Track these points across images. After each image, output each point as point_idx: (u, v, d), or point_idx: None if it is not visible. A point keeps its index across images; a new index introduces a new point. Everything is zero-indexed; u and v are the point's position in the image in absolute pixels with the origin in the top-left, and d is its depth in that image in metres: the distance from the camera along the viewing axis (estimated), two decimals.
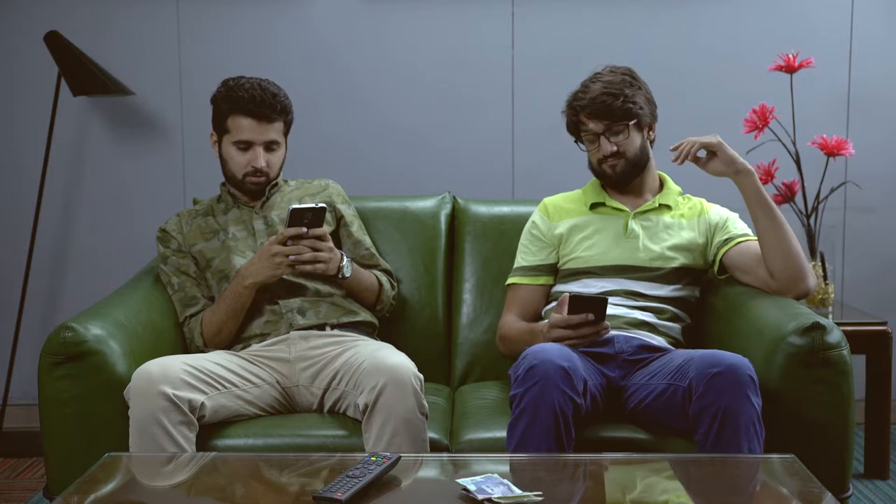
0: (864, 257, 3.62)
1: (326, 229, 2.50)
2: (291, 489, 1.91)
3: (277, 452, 2.21)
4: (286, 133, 2.66)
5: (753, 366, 2.15)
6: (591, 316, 2.28)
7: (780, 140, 3.16)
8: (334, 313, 2.55)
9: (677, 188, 2.67)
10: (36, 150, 3.47)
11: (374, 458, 1.84)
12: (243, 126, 2.57)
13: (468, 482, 1.76)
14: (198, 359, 2.35)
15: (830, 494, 1.81)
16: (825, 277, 3.13)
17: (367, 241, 2.75)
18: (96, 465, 1.94)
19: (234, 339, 2.54)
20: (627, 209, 2.60)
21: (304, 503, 1.78)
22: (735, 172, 2.48)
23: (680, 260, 2.56)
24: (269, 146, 2.61)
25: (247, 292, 2.48)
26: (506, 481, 1.77)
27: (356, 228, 2.74)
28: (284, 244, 2.44)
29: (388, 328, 2.73)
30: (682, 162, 2.50)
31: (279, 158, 2.65)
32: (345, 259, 2.55)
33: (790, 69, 3.15)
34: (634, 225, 2.58)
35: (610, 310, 2.45)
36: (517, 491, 1.74)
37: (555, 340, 2.28)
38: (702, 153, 2.52)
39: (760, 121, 3.11)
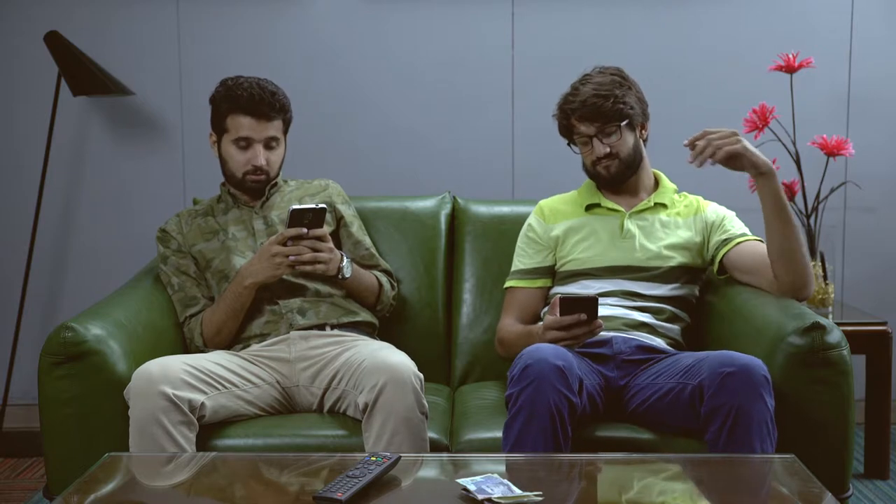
0: (864, 257, 3.62)
1: (326, 230, 2.50)
2: (291, 489, 1.91)
3: (277, 452, 2.21)
4: (285, 131, 2.66)
5: None
6: (582, 316, 2.28)
7: (780, 140, 3.16)
8: (334, 313, 2.55)
9: (672, 186, 2.67)
10: (36, 150, 3.47)
11: (374, 458, 1.84)
12: (242, 124, 2.57)
13: (468, 482, 1.76)
14: (198, 359, 2.35)
15: (830, 494, 1.81)
16: (825, 277, 3.12)
17: (367, 241, 2.75)
18: (96, 465, 1.94)
19: (234, 339, 2.54)
20: (623, 209, 2.60)
21: (304, 503, 1.78)
22: (757, 174, 2.42)
23: (677, 259, 2.56)
24: (269, 144, 2.61)
25: (246, 292, 2.48)
26: (506, 481, 1.77)
27: (356, 229, 2.73)
28: (284, 244, 2.44)
29: (388, 328, 2.73)
30: (701, 165, 2.40)
31: (279, 157, 2.65)
32: (345, 259, 2.55)
33: (790, 69, 3.15)
34: (630, 225, 2.58)
35: (608, 311, 2.45)
36: (517, 491, 1.74)
37: (550, 342, 2.28)
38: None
39: (760, 121, 3.11)
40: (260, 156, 2.59)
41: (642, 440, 2.28)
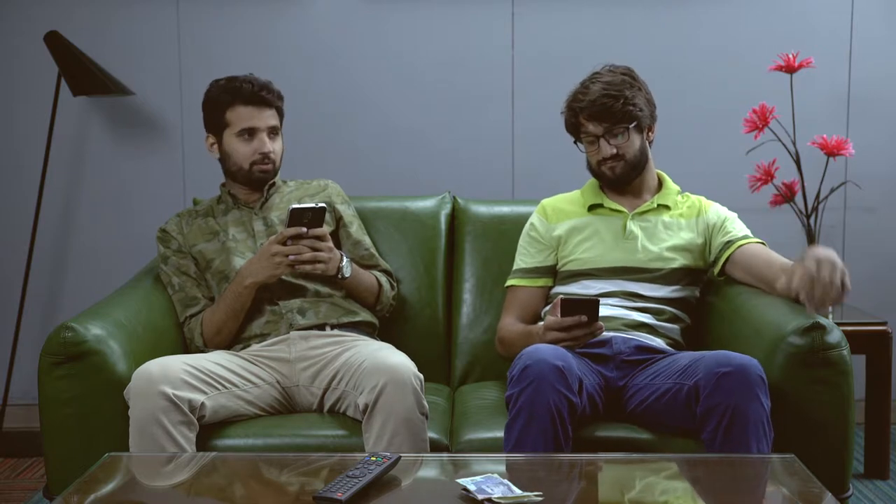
0: (864, 257, 3.62)
1: (326, 230, 2.50)
2: (291, 489, 1.91)
3: (277, 452, 2.21)
4: (281, 123, 2.67)
5: None
6: (583, 317, 2.28)
7: (780, 140, 3.16)
8: (334, 313, 2.55)
9: (676, 187, 2.67)
10: (36, 150, 3.47)
11: (374, 458, 1.84)
12: (244, 115, 2.59)
13: (468, 482, 1.76)
14: (198, 359, 2.35)
15: (830, 494, 1.81)
16: None
17: (367, 241, 2.75)
18: (96, 465, 1.94)
19: (234, 339, 2.54)
20: (626, 210, 2.60)
21: (304, 503, 1.78)
22: None
23: (679, 260, 2.55)
24: (271, 133, 2.62)
25: (246, 292, 2.48)
26: (506, 481, 1.77)
27: (355, 229, 2.73)
28: (284, 244, 2.44)
29: (388, 328, 2.73)
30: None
31: (280, 147, 2.66)
32: (344, 259, 2.55)
33: (790, 69, 3.15)
34: (633, 226, 2.58)
35: (608, 311, 2.45)
36: (517, 491, 1.74)
37: (550, 343, 2.28)
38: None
39: (760, 121, 3.11)
40: (266, 143, 2.60)
41: (641, 440, 2.28)
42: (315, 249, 2.45)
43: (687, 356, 2.31)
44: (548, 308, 2.56)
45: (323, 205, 2.46)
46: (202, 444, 2.25)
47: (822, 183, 3.17)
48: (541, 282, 2.62)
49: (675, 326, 2.52)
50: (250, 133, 2.60)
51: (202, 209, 2.71)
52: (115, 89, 3.36)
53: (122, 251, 3.51)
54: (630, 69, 2.58)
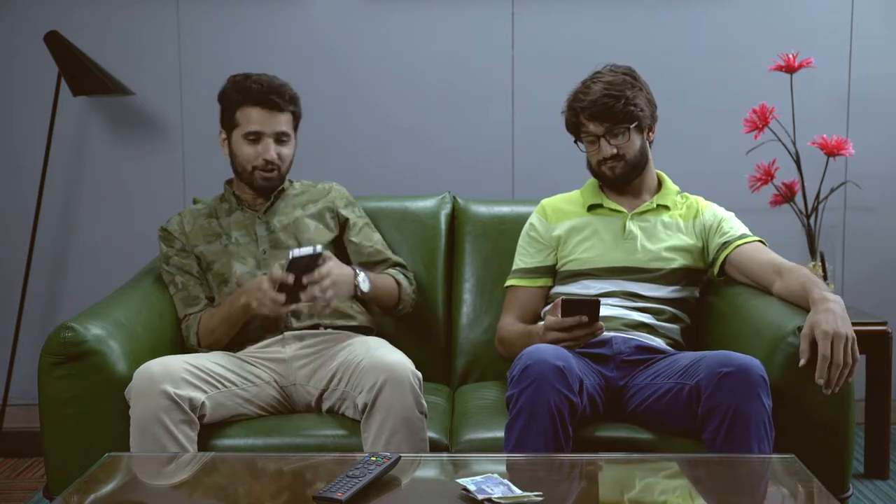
0: (864, 257, 3.62)
1: (329, 264, 2.41)
2: (291, 489, 1.91)
3: (277, 452, 2.21)
4: (295, 127, 2.64)
5: None
6: (584, 318, 2.28)
7: (780, 140, 3.16)
8: (329, 316, 2.55)
9: (675, 187, 2.67)
10: (36, 150, 3.47)
11: (374, 458, 1.84)
12: (253, 117, 2.55)
13: (468, 482, 1.76)
14: (198, 358, 2.35)
15: (830, 494, 1.81)
16: (825, 277, 3.12)
17: (375, 238, 2.72)
18: (96, 465, 1.94)
19: (230, 342, 2.54)
20: (625, 210, 2.60)
21: (304, 503, 1.78)
22: None
23: (679, 261, 2.55)
24: (280, 138, 2.58)
25: (241, 310, 2.45)
26: (506, 481, 1.77)
27: (358, 230, 2.71)
28: (279, 288, 2.36)
29: (388, 328, 2.73)
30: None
31: (290, 152, 2.62)
32: (360, 275, 2.51)
33: (790, 69, 3.15)
34: (632, 226, 2.58)
35: (608, 311, 2.45)
36: (517, 491, 1.74)
37: (551, 343, 2.28)
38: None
39: (760, 121, 3.11)
40: (271, 149, 2.56)
41: (641, 440, 2.28)
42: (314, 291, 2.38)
43: (688, 356, 2.31)
44: (548, 308, 2.56)
45: (321, 250, 2.38)
46: (202, 443, 2.25)
47: (822, 183, 3.17)
48: (540, 282, 2.62)
49: (675, 326, 2.52)
50: (256, 136, 2.57)
51: (205, 209, 2.69)
52: (115, 89, 3.36)
53: (122, 251, 3.51)
54: (631, 69, 2.58)
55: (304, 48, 3.52)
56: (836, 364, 2.10)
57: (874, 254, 3.63)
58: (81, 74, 3.31)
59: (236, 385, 2.35)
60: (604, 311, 2.38)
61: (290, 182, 2.73)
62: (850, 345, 2.12)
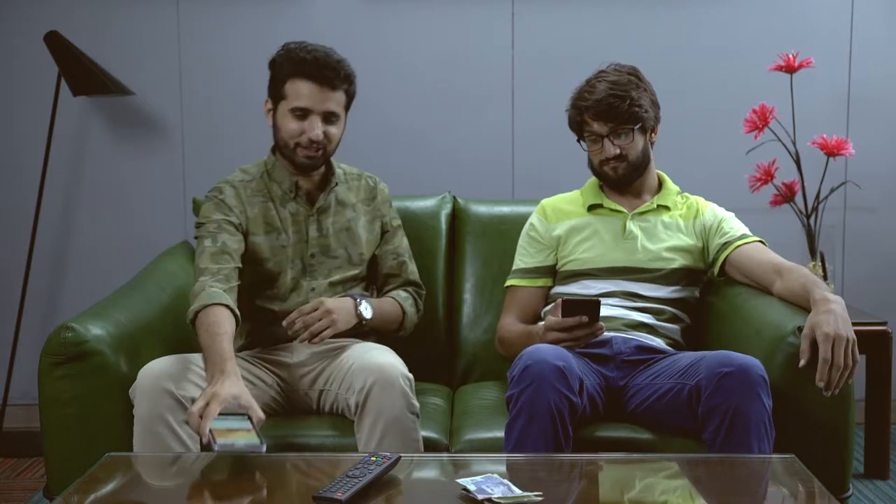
0: (864, 257, 3.63)
1: (315, 303, 2.33)
2: (291, 489, 1.91)
3: (277, 452, 2.21)
4: (347, 107, 2.49)
5: None
6: (584, 318, 2.28)
7: (780, 140, 3.16)
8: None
9: (675, 188, 2.67)
10: (36, 150, 3.47)
11: (374, 458, 1.84)
12: (302, 91, 2.39)
13: (468, 482, 1.76)
14: (202, 358, 2.33)
15: (830, 494, 1.81)
16: (825, 277, 3.12)
17: (402, 247, 2.64)
18: (96, 465, 1.94)
19: (242, 344, 2.50)
20: (625, 210, 2.60)
21: (304, 503, 1.78)
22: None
23: (679, 261, 2.55)
24: (329, 118, 2.43)
25: (209, 357, 2.20)
26: (506, 481, 1.77)
27: (388, 240, 2.62)
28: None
29: None
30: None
31: (338, 133, 2.46)
32: (363, 303, 2.43)
33: (790, 69, 3.15)
34: (632, 226, 2.58)
35: (608, 311, 2.45)
36: (517, 491, 1.74)
37: (551, 343, 2.28)
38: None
39: (760, 121, 3.11)
40: (317, 128, 2.40)
41: (641, 440, 2.28)
42: (310, 322, 2.32)
43: (688, 356, 2.31)
44: (548, 308, 2.56)
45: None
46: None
47: (822, 183, 3.17)
48: (540, 282, 2.62)
49: (675, 326, 2.52)
50: (303, 113, 2.41)
51: (256, 184, 2.49)
52: (115, 89, 3.36)
53: (122, 251, 3.51)
54: (636, 69, 2.57)
55: None
56: (836, 366, 2.10)
57: (874, 254, 3.63)
58: (81, 74, 3.31)
59: None
60: (604, 311, 2.38)
61: (339, 166, 2.60)
62: (850, 347, 2.11)
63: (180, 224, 3.51)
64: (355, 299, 2.43)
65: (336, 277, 2.51)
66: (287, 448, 2.26)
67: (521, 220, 2.74)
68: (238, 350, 2.49)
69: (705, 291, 2.63)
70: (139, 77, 3.49)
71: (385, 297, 2.59)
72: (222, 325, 2.23)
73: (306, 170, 2.49)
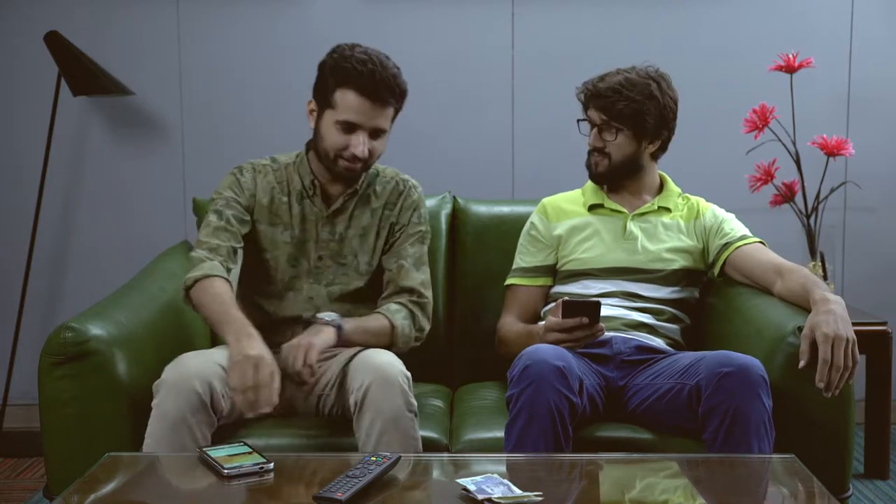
0: (864, 257, 3.63)
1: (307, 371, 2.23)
2: (292, 489, 1.90)
3: (277, 452, 2.21)
4: (393, 119, 2.41)
5: None
6: (584, 319, 2.28)
7: (780, 140, 3.16)
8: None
9: (677, 189, 2.67)
10: (36, 150, 3.47)
11: (374, 458, 1.84)
12: (352, 105, 2.29)
13: (468, 482, 1.76)
14: (225, 357, 2.23)
15: (830, 494, 1.81)
16: (825, 277, 3.12)
17: (410, 251, 2.47)
18: (96, 465, 1.94)
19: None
20: (626, 211, 2.60)
21: (304, 503, 1.78)
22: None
23: (679, 262, 2.55)
24: (376, 133, 2.35)
25: (227, 335, 2.19)
26: (506, 481, 1.77)
27: (403, 241, 2.48)
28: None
29: None
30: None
31: (382, 147, 2.38)
32: (329, 315, 2.32)
33: (790, 69, 3.15)
34: (633, 226, 2.58)
35: (608, 311, 2.45)
36: (517, 491, 1.74)
37: (551, 343, 2.28)
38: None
39: (760, 121, 3.11)
40: (363, 144, 2.31)
41: (641, 440, 2.28)
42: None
43: (688, 356, 2.31)
44: (548, 307, 2.56)
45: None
46: None
47: (822, 183, 3.17)
48: (540, 281, 2.62)
49: (675, 327, 2.52)
50: (350, 127, 2.32)
51: (280, 175, 2.42)
52: (115, 89, 3.36)
53: (122, 251, 3.51)
54: (664, 78, 2.55)
55: (304, 48, 3.51)
56: (836, 367, 2.10)
57: (874, 254, 3.63)
58: (81, 74, 3.31)
59: None
60: (604, 311, 2.38)
61: (376, 173, 2.51)
62: (850, 347, 2.11)
63: (180, 224, 3.51)
64: (323, 319, 2.31)
65: (336, 288, 2.46)
66: (287, 448, 2.26)
67: (521, 220, 2.74)
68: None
69: (705, 292, 2.63)
70: (139, 77, 3.49)
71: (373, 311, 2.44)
72: (229, 295, 2.23)
73: (344, 181, 2.43)
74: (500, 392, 2.58)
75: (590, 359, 2.37)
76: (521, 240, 2.68)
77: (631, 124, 2.50)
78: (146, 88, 3.51)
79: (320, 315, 2.34)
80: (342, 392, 2.31)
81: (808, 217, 3.17)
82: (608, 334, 2.40)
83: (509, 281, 2.65)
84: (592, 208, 2.62)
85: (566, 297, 2.35)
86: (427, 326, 2.47)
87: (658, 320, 2.49)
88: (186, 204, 3.47)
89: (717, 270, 2.56)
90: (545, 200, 2.69)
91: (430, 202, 2.95)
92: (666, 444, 2.26)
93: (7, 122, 3.56)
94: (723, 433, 2.10)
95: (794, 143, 3.16)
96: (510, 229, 2.80)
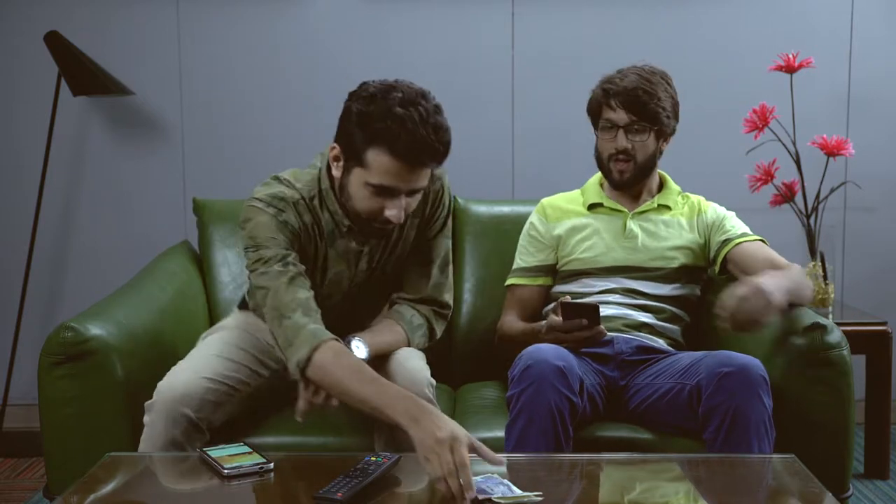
0: (864, 257, 3.63)
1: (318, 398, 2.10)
2: (292, 489, 1.91)
3: (277, 452, 2.21)
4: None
5: None
6: (584, 321, 2.28)
7: (780, 140, 3.16)
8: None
9: (677, 188, 2.66)
10: (36, 150, 3.47)
11: (374, 458, 1.84)
12: (389, 170, 1.99)
13: None
14: (215, 366, 2.21)
15: (830, 494, 1.81)
16: (825, 277, 3.12)
17: (435, 251, 2.33)
18: (96, 465, 1.94)
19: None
20: (626, 209, 2.60)
21: (304, 503, 1.78)
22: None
23: (680, 260, 2.55)
24: (413, 193, 2.07)
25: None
26: (506, 481, 1.77)
27: (430, 235, 2.32)
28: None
29: None
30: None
31: (418, 200, 2.11)
32: (353, 341, 2.17)
33: (790, 69, 3.15)
34: (633, 225, 2.58)
35: (609, 311, 2.45)
36: (517, 491, 1.74)
37: (551, 341, 2.28)
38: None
39: (760, 121, 3.11)
40: (398, 209, 2.03)
41: (642, 440, 2.28)
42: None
43: (688, 356, 2.31)
44: (549, 307, 2.56)
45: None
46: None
47: (822, 183, 3.17)
48: (540, 280, 2.62)
49: (676, 327, 2.52)
50: (385, 191, 2.03)
51: (304, 208, 2.17)
52: (115, 89, 3.36)
53: (122, 251, 3.51)
54: (667, 74, 2.54)
55: (304, 48, 3.52)
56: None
57: (874, 254, 3.63)
58: (81, 74, 3.31)
59: (249, 385, 2.28)
60: (605, 310, 2.39)
61: None
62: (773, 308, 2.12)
63: (180, 224, 3.51)
64: (346, 340, 2.16)
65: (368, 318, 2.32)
66: (288, 448, 2.26)
67: (521, 220, 2.74)
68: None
69: (706, 290, 2.63)
70: (139, 77, 3.49)
71: (391, 314, 2.30)
72: (354, 357, 2.03)
73: (375, 236, 2.20)
74: (501, 392, 2.58)
75: (591, 358, 2.38)
76: (521, 240, 2.68)
77: (657, 122, 2.48)
78: (146, 88, 3.51)
79: (350, 344, 2.16)
80: None
81: (808, 217, 3.17)
82: (609, 334, 2.40)
83: (510, 281, 2.65)
84: (592, 207, 2.62)
85: (565, 299, 2.35)
86: (440, 333, 2.37)
87: (659, 320, 2.49)
88: (186, 204, 3.47)
89: (717, 267, 2.55)
90: (544, 201, 2.69)
91: None
92: (666, 443, 2.26)
93: (7, 122, 3.56)
94: (723, 433, 2.10)
95: (794, 143, 3.16)
96: (510, 229, 2.80)
